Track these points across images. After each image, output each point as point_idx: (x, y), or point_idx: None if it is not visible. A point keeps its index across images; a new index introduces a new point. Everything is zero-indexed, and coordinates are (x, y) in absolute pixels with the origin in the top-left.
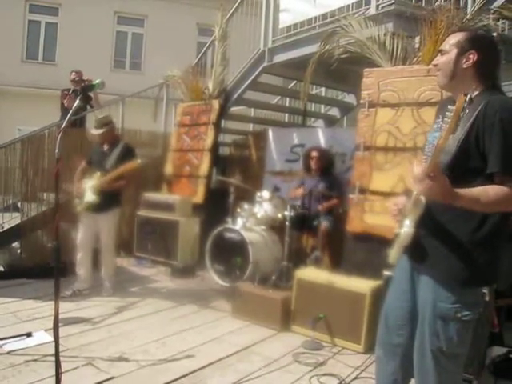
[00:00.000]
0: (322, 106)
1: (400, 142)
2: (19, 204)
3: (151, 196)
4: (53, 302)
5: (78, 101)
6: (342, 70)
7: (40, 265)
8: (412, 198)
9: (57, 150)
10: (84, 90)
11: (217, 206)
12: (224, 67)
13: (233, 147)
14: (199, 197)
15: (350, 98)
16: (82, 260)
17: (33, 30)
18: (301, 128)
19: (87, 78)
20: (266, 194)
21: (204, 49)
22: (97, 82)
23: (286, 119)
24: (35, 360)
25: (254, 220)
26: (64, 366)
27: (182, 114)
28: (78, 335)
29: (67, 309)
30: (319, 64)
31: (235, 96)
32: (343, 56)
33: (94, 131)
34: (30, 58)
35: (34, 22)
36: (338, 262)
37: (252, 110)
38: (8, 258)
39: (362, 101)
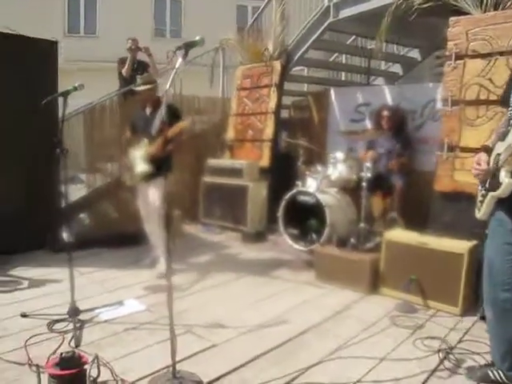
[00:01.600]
0: (382, 63)
1: (493, 95)
2: (82, 176)
3: (216, 162)
4: (134, 271)
5: (180, 59)
6: (409, 23)
7: (109, 234)
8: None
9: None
10: (186, 47)
11: (283, 169)
12: (284, 27)
13: (292, 109)
14: (265, 161)
15: (413, 54)
16: (151, 230)
17: (73, 4)
18: (365, 86)
19: (143, 45)
20: (339, 154)
21: (261, 8)
22: (197, 38)
23: (343, 78)
24: (134, 328)
25: (327, 182)
26: (164, 334)
27: (242, 77)
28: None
29: (149, 277)
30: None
31: (297, 56)
32: (424, 6)
33: (138, 88)
34: (72, 31)
35: None
36: (416, 222)
37: (305, 70)
38: (76, 229)
39: (447, 53)
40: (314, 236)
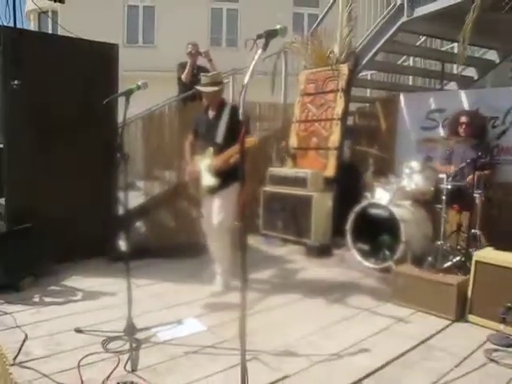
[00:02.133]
0: (454, 67)
1: None
2: (139, 183)
3: (278, 170)
4: (192, 286)
5: (260, 50)
6: (488, 22)
7: (166, 244)
8: None
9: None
10: (268, 36)
11: (347, 179)
12: (351, 28)
13: (357, 116)
14: (330, 170)
15: (490, 55)
16: (210, 244)
17: (132, 15)
18: (438, 91)
19: (203, 50)
20: (415, 164)
21: (325, 10)
22: (279, 27)
23: (410, 82)
24: (195, 352)
25: (400, 194)
26: (228, 361)
27: (306, 82)
28: (231, 324)
29: (207, 293)
30: (463, 15)
31: (365, 59)
32: None
33: (203, 88)
34: (131, 42)
35: (133, 7)
36: (499, 240)
37: (368, 74)
38: (133, 238)
39: None
40: (387, 253)
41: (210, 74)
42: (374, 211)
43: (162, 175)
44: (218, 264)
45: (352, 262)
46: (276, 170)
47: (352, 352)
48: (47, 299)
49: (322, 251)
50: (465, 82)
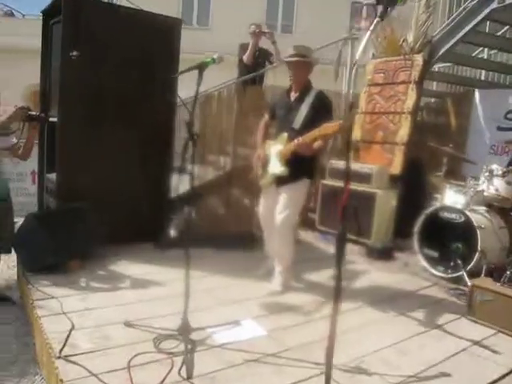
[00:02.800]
0: None
1: None
2: (189, 167)
3: (339, 163)
4: (247, 281)
5: (377, 18)
6: None
7: (218, 234)
8: None
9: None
10: (388, 2)
11: (412, 177)
12: (430, 15)
13: (425, 111)
14: (396, 167)
15: None
16: (268, 239)
17: None
18: None
19: (267, 30)
20: (496, 167)
21: None
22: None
23: (483, 77)
24: (256, 360)
25: (476, 199)
26: (294, 375)
27: (374, 72)
28: (293, 329)
29: (264, 291)
30: None
31: (443, 50)
32: None
33: (293, 59)
34: (185, 23)
35: None
36: None
37: (436, 67)
38: (181, 225)
39: None
40: (459, 261)
41: (298, 45)
42: (446, 215)
43: (216, 160)
44: (278, 262)
45: (416, 268)
46: (338, 163)
47: (431, 375)
48: (95, 284)
49: (383, 253)
50: None
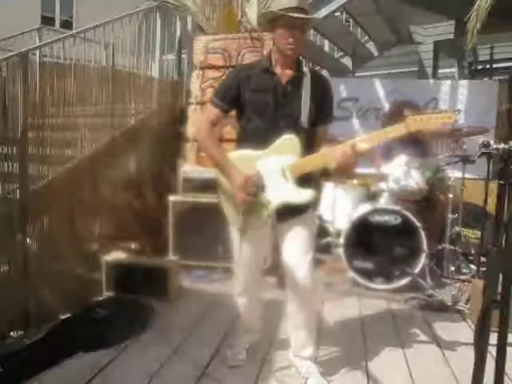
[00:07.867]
0: None
1: None
2: None
3: (196, 171)
4: None
5: None
6: None
7: None
8: None
9: None
10: None
11: None
12: None
13: None
14: None
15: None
16: (250, 305)
17: None
18: (350, 78)
19: None
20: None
21: None
22: None
23: None
24: None
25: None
26: None
27: (207, 52)
28: None
29: None
30: None
31: None
32: None
33: (296, 13)
34: None
35: None
36: None
37: None
38: None
39: None
40: (405, 267)
41: None
42: (377, 218)
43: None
44: (308, 332)
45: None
46: (192, 171)
47: None
48: None
49: None
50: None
